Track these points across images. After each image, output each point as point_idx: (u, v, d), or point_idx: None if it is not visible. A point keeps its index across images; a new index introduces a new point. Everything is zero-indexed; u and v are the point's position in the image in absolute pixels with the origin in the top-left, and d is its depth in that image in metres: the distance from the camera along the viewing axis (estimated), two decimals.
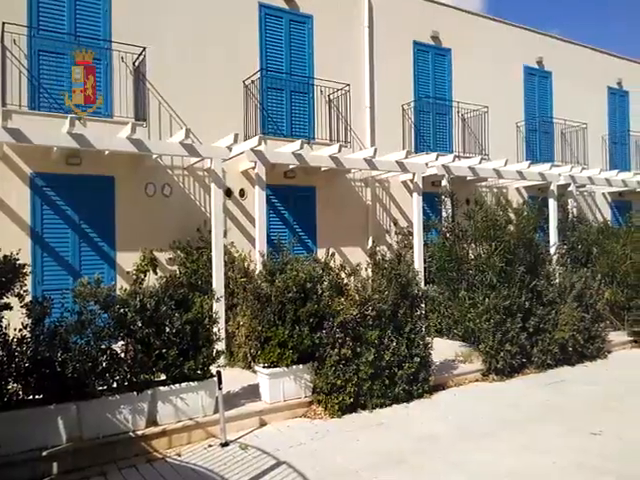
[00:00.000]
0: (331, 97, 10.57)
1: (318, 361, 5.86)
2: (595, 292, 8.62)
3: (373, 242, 10.52)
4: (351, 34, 11.21)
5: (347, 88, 10.46)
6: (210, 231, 7.64)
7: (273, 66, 10.04)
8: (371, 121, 11.34)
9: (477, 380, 7.20)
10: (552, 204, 11.68)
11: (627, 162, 16.87)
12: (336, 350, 5.78)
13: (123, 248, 8.19)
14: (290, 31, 10.33)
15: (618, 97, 17.05)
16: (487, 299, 7.42)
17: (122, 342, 5.03)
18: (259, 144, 8.01)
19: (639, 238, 10.69)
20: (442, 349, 7.57)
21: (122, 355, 4.96)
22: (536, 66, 14.88)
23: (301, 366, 5.87)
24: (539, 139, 14.87)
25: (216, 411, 5.17)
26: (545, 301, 7.85)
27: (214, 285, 7.03)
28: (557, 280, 8.41)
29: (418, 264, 9.17)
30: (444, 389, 6.74)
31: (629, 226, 11.98)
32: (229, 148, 7.73)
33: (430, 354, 6.55)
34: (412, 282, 6.55)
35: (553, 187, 11.93)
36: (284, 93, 10.18)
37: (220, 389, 5.04)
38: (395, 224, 11.29)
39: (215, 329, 5.49)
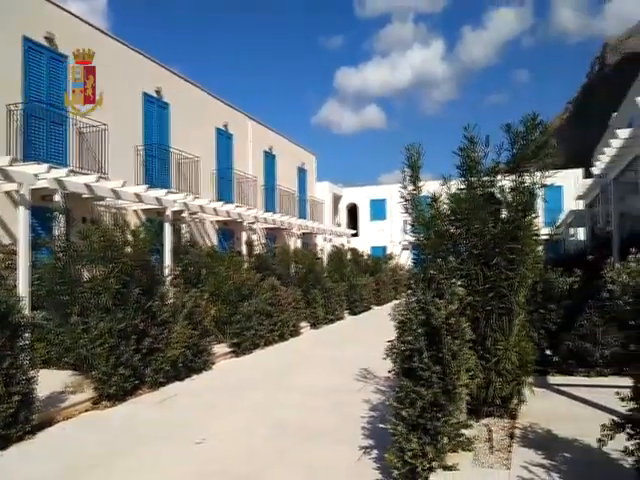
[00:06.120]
0: None
1: None
2: (203, 310, 9.51)
3: None
4: None
5: None
6: None
7: None
8: None
9: (88, 410, 6.81)
10: (168, 228, 12.34)
11: (231, 195, 19.50)
12: None
13: None
14: None
15: (225, 138, 19.61)
16: (102, 323, 7.18)
17: None
18: None
19: (238, 262, 12.47)
20: (50, 381, 6.86)
21: None
22: (155, 95, 15.59)
23: None
24: (157, 165, 15.56)
25: None
26: (159, 321, 8.15)
27: None
28: (171, 300, 8.89)
29: (23, 288, 8.08)
30: (51, 425, 6.09)
31: (231, 251, 13.84)
32: None
33: (34, 389, 5.83)
34: (14, 309, 5.71)
35: (169, 212, 12.64)
36: None
37: None
38: None
39: None
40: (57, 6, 12.39)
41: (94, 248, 7.75)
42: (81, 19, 13.12)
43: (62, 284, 7.69)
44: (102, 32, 13.78)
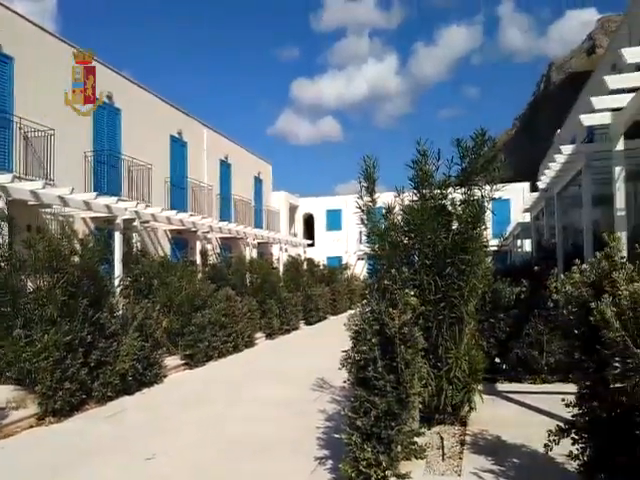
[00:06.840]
0: None
1: None
2: (155, 321, 9.26)
3: None
4: None
5: None
6: None
7: None
8: None
9: (32, 426, 6.49)
10: (118, 237, 11.99)
11: (185, 204, 19.16)
12: None
13: None
14: None
15: (179, 146, 19.30)
16: (47, 335, 6.87)
17: None
18: None
19: (192, 272, 12.24)
20: None
21: None
22: (106, 100, 15.15)
23: None
24: (107, 172, 15.12)
25: None
26: (108, 333, 7.87)
27: None
28: (121, 312, 8.61)
29: None
30: None
31: (185, 260, 13.57)
32: None
33: None
34: None
35: (119, 220, 12.30)
36: None
37: None
38: None
39: None
40: (1, 5, 11.90)
41: (39, 257, 7.43)
42: (27, 19, 12.64)
43: (4, 295, 7.33)
44: (50, 34, 13.32)
